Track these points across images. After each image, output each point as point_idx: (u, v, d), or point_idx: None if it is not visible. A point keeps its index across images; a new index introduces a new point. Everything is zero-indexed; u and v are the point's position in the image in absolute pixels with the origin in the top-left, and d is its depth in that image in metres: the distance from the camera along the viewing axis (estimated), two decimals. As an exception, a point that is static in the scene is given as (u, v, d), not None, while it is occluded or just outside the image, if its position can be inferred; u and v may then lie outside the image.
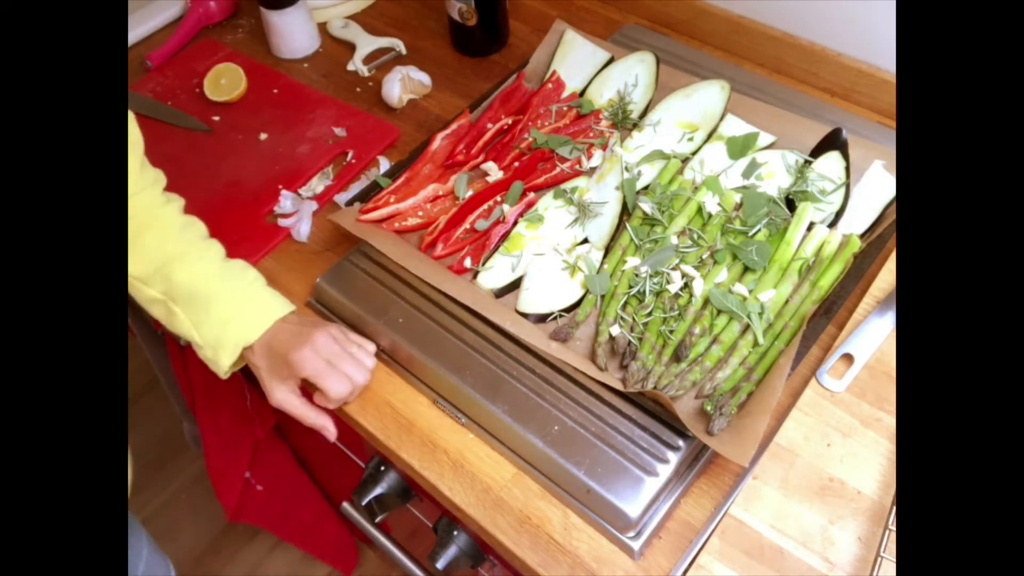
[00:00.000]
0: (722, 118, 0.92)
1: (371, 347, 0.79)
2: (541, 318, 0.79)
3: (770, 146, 0.89)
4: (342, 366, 0.75)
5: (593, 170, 0.90)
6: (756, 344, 0.73)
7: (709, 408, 0.70)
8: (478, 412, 0.75)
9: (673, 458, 0.68)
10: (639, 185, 0.86)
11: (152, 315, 0.78)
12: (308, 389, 0.79)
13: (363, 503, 0.92)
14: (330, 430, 0.78)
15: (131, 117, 0.74)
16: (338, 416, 0.79)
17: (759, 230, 0.80)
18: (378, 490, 0.92)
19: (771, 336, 0.74)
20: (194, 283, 0.75)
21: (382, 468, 0.92)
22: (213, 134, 1.06)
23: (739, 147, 0.88)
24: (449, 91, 1.09)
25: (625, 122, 0.94)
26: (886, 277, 0.79)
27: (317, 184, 0.98)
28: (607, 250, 0.83)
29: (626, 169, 0.87)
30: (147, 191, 0.76)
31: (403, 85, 1.06)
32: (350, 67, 1.14)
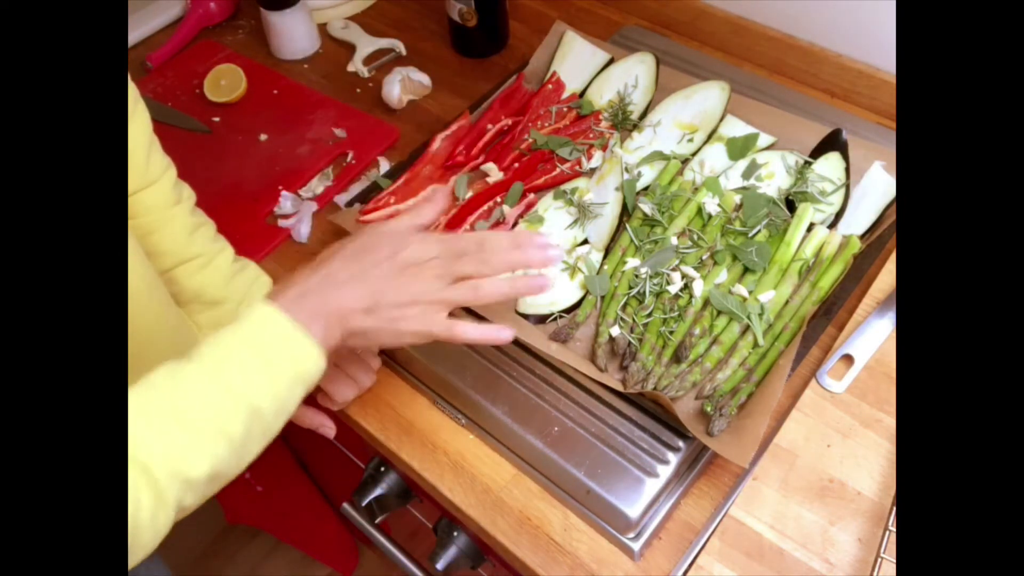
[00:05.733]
0: (722, 119, 0.91)
1: (375, 348, 0.79)
2: (541, 319, 0.79)
3: (770, 147, 0.89)
4: (348, 369, 0.75)
5: (593, 171, 0.90)
6: (756, 345, 0.73)
7: (709, 409, 0.70)
8: (478, 413, 0.75)
9: (673, 459, 0.68)
10: (639, 186, 0.86)
11: None
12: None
13: (363, 504, 0.92)
14: (328, 426, 0.77)
15: (141, 103, 0.71)
16: (338, 417, 0.79)
17: (759, 231, 0.80)
18: (378, 491, 0.92)
19: (771, 337, 0.74)
20: (201, 286, 0.75)
21: (382, 469, 0.92)
22: (213, 135, 1.06)
23: (739, 148, 0.88)
24: (449, 92, 1.09)
25: (625, 123, 0.94)
26: (886, 278, 0.79)
27: (317, 185, 0.98)
28: (607, 251, 0.83)
29: (626, 170, 0.87)
30: (155, 187, 0.73)
31: (403, 86, 1.06)
32: (350, 68, 1.14)
